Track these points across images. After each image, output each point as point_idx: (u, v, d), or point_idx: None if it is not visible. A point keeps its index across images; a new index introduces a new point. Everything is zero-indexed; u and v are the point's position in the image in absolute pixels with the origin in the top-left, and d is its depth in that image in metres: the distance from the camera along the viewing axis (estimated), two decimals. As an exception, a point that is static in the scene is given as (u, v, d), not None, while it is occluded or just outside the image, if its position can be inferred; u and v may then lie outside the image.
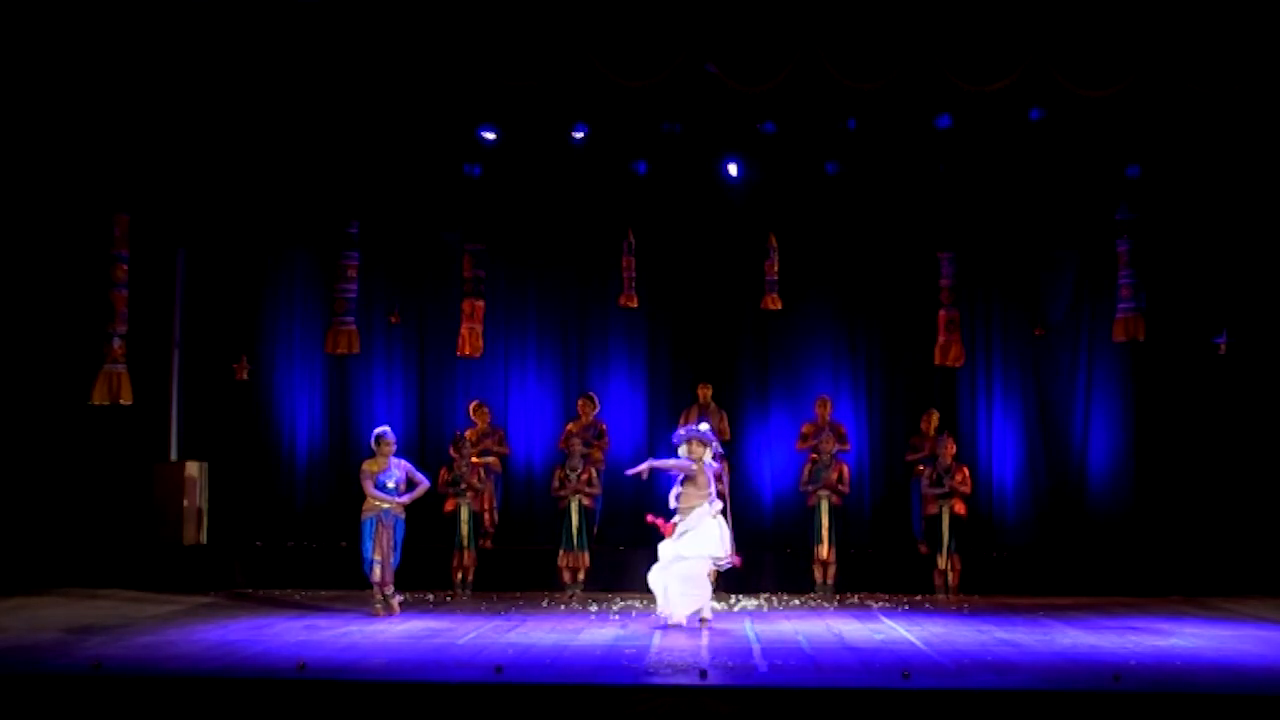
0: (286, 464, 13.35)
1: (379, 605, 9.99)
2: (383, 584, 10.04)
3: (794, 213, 13.07)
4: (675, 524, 9.58)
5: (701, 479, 9.55)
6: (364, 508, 10.11)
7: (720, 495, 9.73)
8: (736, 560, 9.76)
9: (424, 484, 10.30)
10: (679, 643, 8.53)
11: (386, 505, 10.04)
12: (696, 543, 9.47)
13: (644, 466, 10.05)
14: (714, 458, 9.81)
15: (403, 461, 10.27)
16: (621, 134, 12.38)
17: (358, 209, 12.60)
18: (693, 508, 9.52)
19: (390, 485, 10.05)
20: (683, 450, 9.68)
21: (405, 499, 10.14)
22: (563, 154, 12.56)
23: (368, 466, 10.11)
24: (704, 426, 10.08)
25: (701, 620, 9.43)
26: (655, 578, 9.59)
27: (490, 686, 6.82)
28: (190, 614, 9.99)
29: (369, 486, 10.03)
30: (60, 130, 11.61)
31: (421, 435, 13.38)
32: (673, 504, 9.69)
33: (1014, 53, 10.67)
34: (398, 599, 10.14)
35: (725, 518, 9.67)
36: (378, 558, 10.00)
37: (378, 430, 10.25)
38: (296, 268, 13.54)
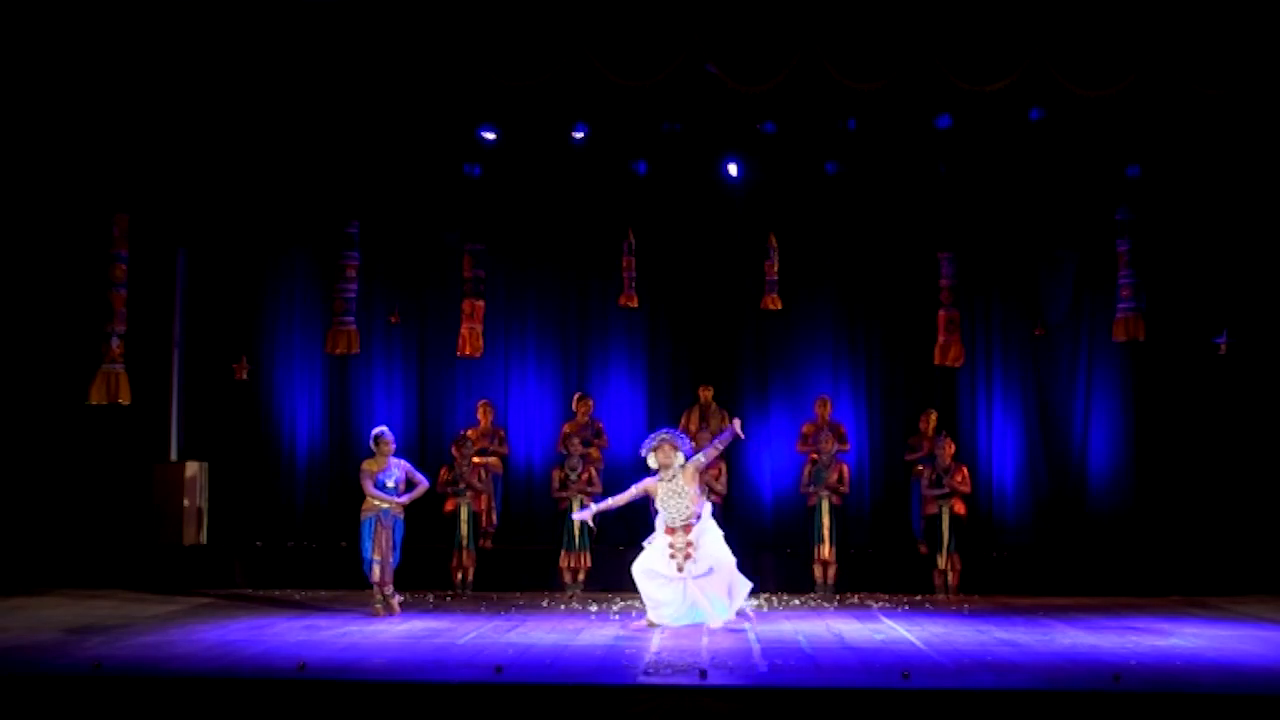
0: (286, 464, 13.35)
1: (379, 605, 9.99)
2: (382, 584, 10.03)
3: (794, 213, 13.07)
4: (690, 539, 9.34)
5: (682, 485, 9.33)
6: (363, 507, 10.11)
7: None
8: None
9: (423, 484, 10.30)
10: (679, 643, 8.53)
11: (386, 505, 10.05)
12: (717, 542, 9.41)
13: (589, 513, 9.84)
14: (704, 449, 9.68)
15: (402, 461, 10.28)
16: (621, 134, 12.38)
17: (358, 209, 12.59)
18: (694, 514, 9.37)
19: (390, 485, 10.06)
20: (651, 460, 9.40)
21: (404, 499, 10.14)
22: (563, 154, 12.56)
23: (367, 466, 10.12)
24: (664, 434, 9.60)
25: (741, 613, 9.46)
26: (680, 595, 9.32)
27: (490, 686, 6.82)
28: (190, 614, 9.99)
29: (368, 486, 10.03)
30: (60, 130, 11.61)
31: (421, 435, 13.39)
32: (663, 525, 9.44)
33: (1014, 53, 10.68)
34: (397, 599, 10.14)
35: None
36: (377, 557, 10.01)
37: (376, 430, 10.25)
38: (296, 268, 13.54)
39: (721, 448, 9.65)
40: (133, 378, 11.95)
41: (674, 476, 9.36)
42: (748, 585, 9.52)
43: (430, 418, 13.50)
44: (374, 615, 9.87)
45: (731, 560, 9.42)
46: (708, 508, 9.56)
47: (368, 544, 10.02)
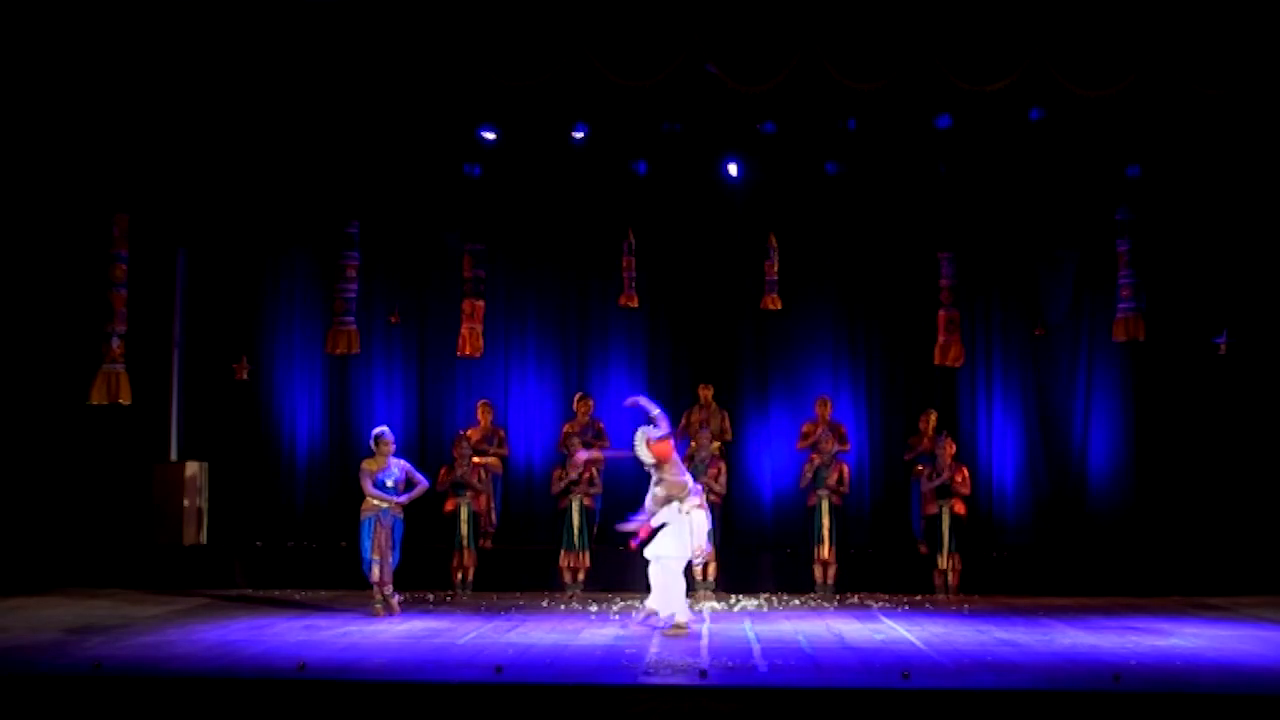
0: (286, 464, 13.36)
1: (379, 605, 9.99)
2: (381, 584, 10.03)
3: (794, 213, 13.08)
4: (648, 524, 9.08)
5: (670, 470, 9.08)
6: (363, 507, 10.11)
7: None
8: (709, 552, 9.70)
9: (423, 484, 10.30)
10: (679, 643, 8.52)
11: (385, 505, 10.05)
12: (668, 544, 9.08)
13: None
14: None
15: (402, 461, 10.28)
16: (621, 134, 12.38)
17: (358, 209, 12.61)
18: (667, 501, 9.07)
19: (389, 485, 10.06)
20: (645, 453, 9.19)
21: (403, 499, 10.14)
22: (563, 154, 12.57)
23: (367, 466, 10.12)
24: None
25: (677, 626, 8.98)
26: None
27: (490, 686, 6.82)
28: (190, 614, 9.99)
29: (368, 486, 10.04)
30: (60, 130, 11.62)
31: (421, 435, 13.40)
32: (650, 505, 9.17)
33: (1014, 53, 10.69)
34: (397, 599, 10.14)
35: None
36: (376, 557, 10.01)
37: (376, 430, 10.25)
38: (296, 268, 13.55)
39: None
40: (133, 378, 11.97)
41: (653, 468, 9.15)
42: (673, 603, 9.08)
43: (430, 418, 13.50)
44: (374, 615, 9.87)
45: (671, 571, 9.05)
46: (674, 506, 9.09)
47: (367, 544, 10.02)
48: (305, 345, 13.45)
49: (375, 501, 10.05)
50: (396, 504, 10.09)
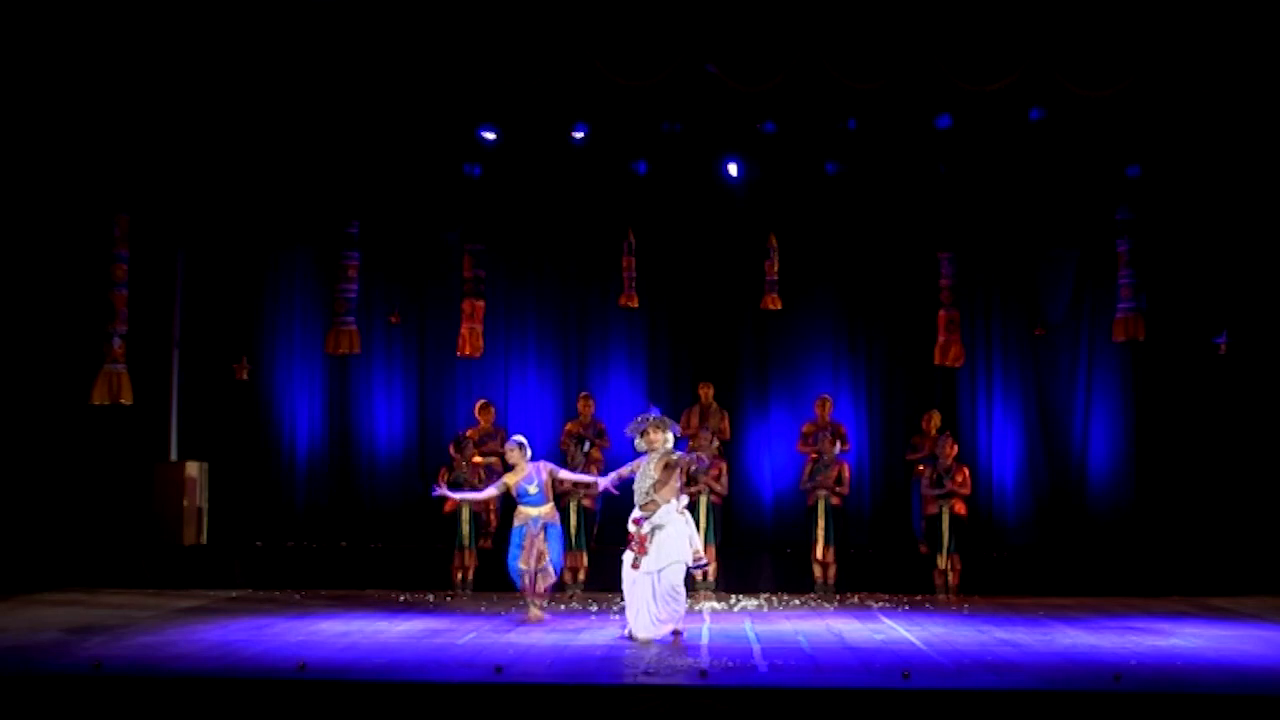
0: (286, 464, 13.35)
1: (535, 611, 9.64)
2: (531, 592, 9.65)
3: (794, 213, 13.07)
4: (643, 533, 8.64)
5: (649, 469, 8.70)
6: (515, 515, 9.73)
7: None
8: (706, 557, 9.31)
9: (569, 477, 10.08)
10: (679, 643, 8.52)
11: (535, 513, 9.67)
12: (672, 548, 8.65)
13: (606, 483, 9.34)
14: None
15: (545, 464, 9.84)
16: (621, 134, 12.38)
17: (358, 209, 12.61)
18: (654, 502, 8.69)
19: (532, 491, 9.65)
20: (639, 443, 8.88)
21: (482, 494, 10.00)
22: (563, 154, 12.56)
23: (507, 480, 9.75)
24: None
25: (675, 633, 8.70)
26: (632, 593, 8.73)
27: (490, 686, 6.82)
28: (190, 614, 9.99)
29: (515, 494, 9.66)
30: (60, 130, 11.62)
31: (421, 435, 13.39)
32: (638, 512, 8.76)
33: (1014, 53, 10.71)
34: (541, 608, 9.71)
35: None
36: (524, 567, 9.63)
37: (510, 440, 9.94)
38: (296, 268, 13.56)
39: (685, 466, 9.07)
40: (133, 378, 11.96)
41: (650, 461, 8.75)
42: (681, 610, 8.75)
43: (430, 418, 13.50)
44: (532, 621, 9.52)
45: (680, 574, 8.67)
46: (674, 505, 8.73)
47: (515, 553, 9.63)
48: (305, 345, 13.45)
49: (525, 510, 9.69)
50: (550, 511, 9.73)
